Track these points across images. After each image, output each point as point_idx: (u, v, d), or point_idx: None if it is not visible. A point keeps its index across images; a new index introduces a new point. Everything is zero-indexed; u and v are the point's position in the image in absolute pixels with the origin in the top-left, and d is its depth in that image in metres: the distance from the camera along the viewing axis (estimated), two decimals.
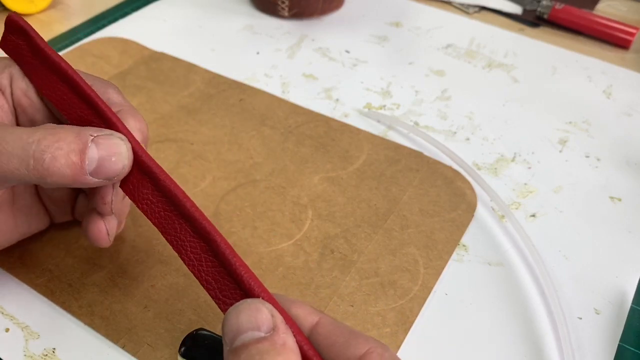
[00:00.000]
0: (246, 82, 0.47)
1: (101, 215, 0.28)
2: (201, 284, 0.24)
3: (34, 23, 0.53)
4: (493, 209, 0.37)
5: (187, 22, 0.54)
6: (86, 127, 0.25)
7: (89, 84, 0.27)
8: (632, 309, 0.32)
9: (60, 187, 0.26)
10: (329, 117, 0.43)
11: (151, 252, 0.33)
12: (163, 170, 0.25)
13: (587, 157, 0.41)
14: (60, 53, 0.49)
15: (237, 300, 0.22)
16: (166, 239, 0.25)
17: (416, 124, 0.43)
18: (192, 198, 0.36)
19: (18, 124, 0.29)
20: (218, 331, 0.28)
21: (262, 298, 0.22)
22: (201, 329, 0.29)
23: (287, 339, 0.20)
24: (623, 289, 0.33)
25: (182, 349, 0.28)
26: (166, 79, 0.46)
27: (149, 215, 0.26)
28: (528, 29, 0.55)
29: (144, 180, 0.26)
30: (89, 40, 0.50)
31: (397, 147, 0.41)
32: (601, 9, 0.58)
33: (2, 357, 0.29)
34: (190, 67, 0.47)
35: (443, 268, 0.33)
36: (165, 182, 0.25)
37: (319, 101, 0.45)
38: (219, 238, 0.23)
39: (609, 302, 0.32)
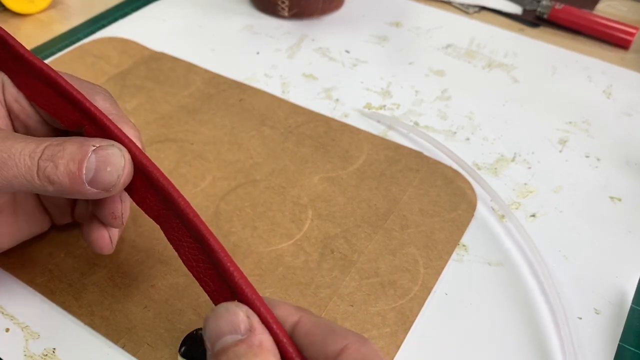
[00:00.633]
0: (246, 82, 0.47)
1: (107, 224, 0.28)
2: (200, 285, 0.24)
3: (34, 23, 0.53)
4: (493, 209, 0.37)
5: (187, 22, 0.54)
6: (90, 138, 0.25)
7: (77, 89, 0.27)
8: (632, 309, 0.32)
9: (62, 196, 0.26)
10: (329, 117, 0.43)
11: (151, 252, 0.33)
12: (160, 170, 0.25)
13: (587, 157, 0.41)
14: (60, 53, 0.49)
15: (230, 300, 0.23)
16: (167, 237, 0.25)
17: (416, 124, 0.43)
18: (192, 198, 0.36)
19: (14, 130, 0.29)
20: None
21: (255, 303, 0.22)
22: (201, 329, 0.29)
23: (263, 339, 0.21)
24: (623, 289, 0.33)
25: (182, 349, 0.28)
26: (166, 79, 0.46)
27: (148, 213, 0.26)
28: (528, 29, 0.55)
29: (143, 182, 0.26)
30: (89, 40, 0.50)
31: (397, 147, 0.41)
32: (601, 9, 0.58)
33: (2, 357, 0.29)
34: (190, 67, 0.47)
35: (443, 268, 0.33)
36: (159, 180, 0.25)
37: (319, 101, 0.45)
38: (212, 239, 0.23)
39: (609, 302, 0.32)
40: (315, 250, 0.34)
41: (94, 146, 0.25)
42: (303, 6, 0.53)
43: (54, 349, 0.29)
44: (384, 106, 0.45)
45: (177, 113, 0.43)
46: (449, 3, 0.58)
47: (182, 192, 0.37)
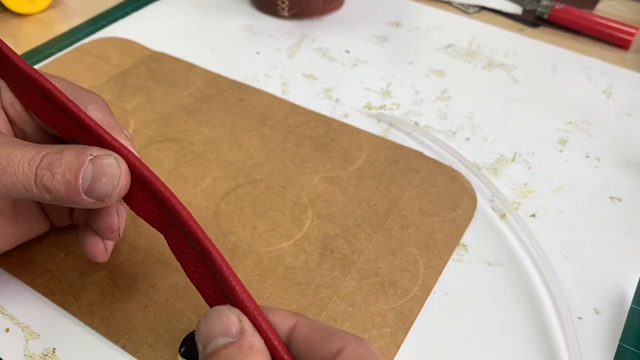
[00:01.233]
0: (246, 82, 0.47)
1: (104, 238, 0.28)
2: (203, 297, 0.24)
3: (34, 23, 0.53)
4: (493, 209, 0.37)
5: (187, 22, 0.54)
6: (89, 147, 0.25)
7: (69, 97, 0.27)
8: (632, 309, 0.32)
9: (60, 204, 0.26)
10: (329, 117, 0.43)
11: (151, 252, 0.33)
12: (160, 180, 0.25)
13: (587, 157, 0.41)
14: (60, 53, 0.49)
15: None
16: (171, 249, 0.25)
17: (416, 124, 0.43)
18: (192, 198, 0.36)
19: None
20: None
21: (257, 319, 0.22)
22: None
23: (254, 341, 0.21)
24: (623, 289, 0.33)
25: (182, 349, 0.28)
26: (166, 79, 0.46)
27: (153, 225, 0.26)
28: (528, 29, 0.55)
29: (144, 192, 0.25)
30: (89, 40, 0.50)
31: (397, 147, 0.41)
32: (601, 9, 0.58)
33: (2, 357, 0.29)
34: (190, 67, 0.47)
35: (443, 268, 0.33)
36: (161, 191, 0.25)
37: (319, 101, 0.45)
38: (214, 252, 0.23)
39: (609, 302, 0.32)
40: (315, 250, 0.34)
41: (91, 155, 0.25)
42: (303, 6, 0.53)
43: (54, 349, 0.29)
44: (384, 106, 0.45)
45: (177, 113, 0.43)
46: (449, 3, 0.58)
47: (182, 192, 0.37)
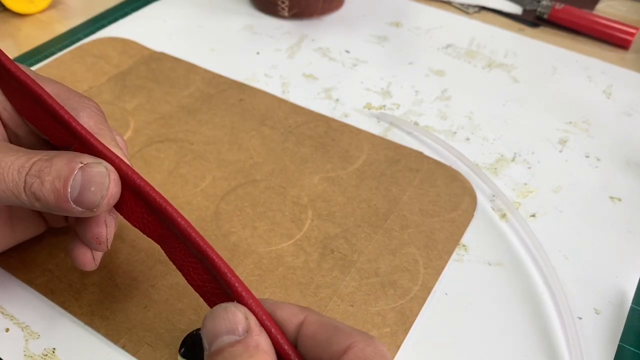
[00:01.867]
0: (246, 82, 0.47)
1: (92, 249, 0.27)
2: (207, 303, 0.24)
3: (34, 23, 0.53)
4: (493, 209, 0.37)
5: (187, 22, 0.54)
6: (80, 155, 0.25)
7: (61, 102, 0.26)
8: (632, 309, 0.32)
9: (50, 212, 0.25)
10: (329, 117, 0.43)
11: (151, 252, 0.33)
12: (154, 189, 0.25)
13: (587, 157, 0.41)
14: (60, 53, 0.49)
15: None
16: (171, 259, 0.25)
17: (416, 124, 0.43)
18: (192, 198, 0.36)
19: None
20: None
21: (266, 323, 0.22)
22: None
23: (260, 340, 0.21)
24: (623, 289, 0.33)
25: (182, 349, 0.28)
26: (166, 79, 0.46)
27: (149, 235, 0.25)
28: (528, 29, 0.55)
29: (138, 201, 0.25)
30: (89, 40, 0.50)
31: (397, 147, 0.41)
32: (601, 9, 0.58)
33: (2, 357, 0.29)
34: (190, 67, 0.47)
35: (443, 268, 0.33)
36: (157, 200, 0.24)
37: (319, 101, 0.45)
38: (217, 259, 0.23)
39: (609, 302, 0.32)
40: (315, 250, 0.34)
41: (81, 163, 0.24)
42: (303, 6, 0.53)
43: (54, 349, 0.29)
44: (384, 106, 0.45)
45: (177, 113, 0.43)
46: (449, 3, 0.58)
47: (182, 192, 0.37)
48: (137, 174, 0.25)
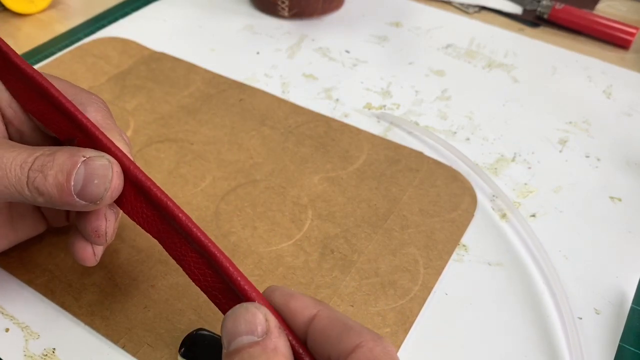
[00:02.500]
0: (246, 82, 0.47)
1: (91, 242, 0.27)
2: (210, 298, 0.24)
3: (34, 23, 0.53)
4: (493, 209, 0.37)
5: (187, 22, 0.54)
6: (81, 149, 0.25)
7: (69, 97, 0.27)
8: (632, 309, 0.32)
9: (53, 207, 0.25)
10: (329, 117, 0.43)
11: (151, 252, 0.33)
12: (156, 185, 0.25)
13: (587, 157, 0.41)
14: (60, 53, 0.49)
15: None
16: (170, 254, 0.25)
17: (416, 124, 0.43)
18: (192, 198, 0.36)
19: (8, 136, 0.29)
20: (218, 331, 0.28)
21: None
22: (201, 329, 0.29)
23: (278, 343, 0.21)
24: (623, 289, 0.33)
25: (182, 349, 0.28)
26: (166, 79, 0.46)
27: (149, 231, 0.26)
28: (528, 29, 0.55)
29: (139, 196, 0.25)
30: (89, 40, 0.50)
31: (397, 147, 0.41)
32: (601, 9, 0.58)
33: (2, 357, 0.29)
34: (190, 67, 0.47)
35: (443, 268, 0.33)
36: (157, 195, 0.24)
37: (319, 101, 0.45)
38: (219, 254, 0.23)
39: (609, 302, 0.32)
40: (315, 250, 0.34)
41: (84, 157, 0.24)
42: (303, 6, 0.53)
43: (54, 349, 0.29)
44: (384, 106, 0.45)
45: (177, 113, 0.43)
46: (449, 3, 0.58)
47: (182, 192, 0.37)
48: (139, 168, 0.25)
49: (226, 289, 0.23)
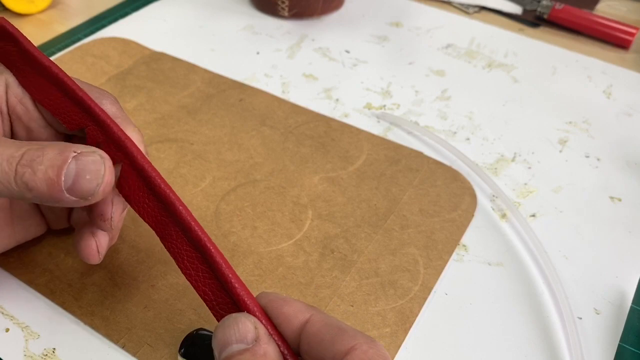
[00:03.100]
0: (246, 82, 0.47)
1: (100, 230, 0.28)
2: (199, 294, 0.24)
3: (34, 23, 0.53)
4: (493, 209, 0.37)
5: (187, 22, 0.54)
6: (72, 144, 0.25)
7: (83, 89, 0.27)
8: (632, 309, 0.32)
9: (41, 203, 0.25)
10: (329, 117, 0.43)
11: (151, 252, 0.33)
12: (160, 176, 0.25)
13: (587, 157, 0.41)
14: (60, 53, 0.49)
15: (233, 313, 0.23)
16: (164, 245, 0.25)
17: (416, 124, 0.43)
18: (192, 198, 0.36)
19: (13, 132, 0.29)
20: None
21: (256, 315, 0.22)
22: (201, 329, 0.29)
23: (268, 349, 0.21)
24: (623, 289, 0.33)
25: (182, 349, 0.28)
26: (166, 79, 0.46)
27: (146, 220, 0.26)
28: (528, 29, 0.55)
29: (141, 185, 0.25)
30: (89, 40, 0.50)
31: (397, 147, 0.41)
32: (601, 9, 0.58)
33: (2, 357, 0.29)
34: (190, 67, 0.47)
35: (443, 268, 0.33)
36: (161, 187, 0.25)
37: (319, 101, 0.45)
38: (213, 249, 0.23)
39: (609, 302, 0.32)
40: (315, 250, 0.34)
41: (74, 152, 0.24)
42: (303, 6, 0.53)
43: (54, 349, 0.29)
44: (384, 106, 0.45)
45: (177, 113, 0.43)
46: (449, 3, 0.58)
47: (182, 192, 0.37)
48: (146, 159, 0.25)
49: (217, 286, 0.24)
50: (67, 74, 0.28)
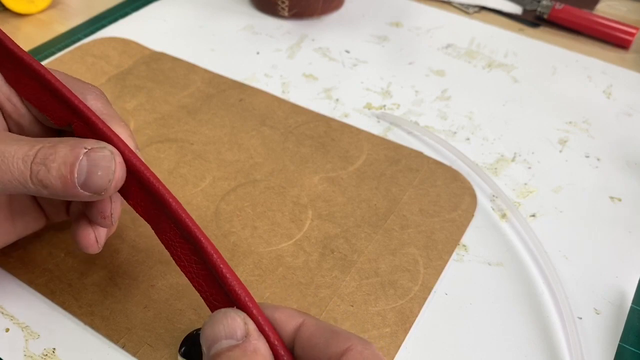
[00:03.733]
0: (246, 82, 0.47)
1: (97, 224, 0.28)
2: (193, 286, 0.24)
3: (34, 23, 0.53)
4: (493, 209, 0.37)
5: (187, 22, 0.54)
6: (83, 140, 0.25)
7: (67, 86, 0.27)
8: (632, 309, 0.32)
9: (58, 198, 0.26)
10: (329, 117, 0.43)
11: (151, 252, 0.33)
12: (149, 170, 0.25)
13: (587, 157, 0.41)
14: (60, 53, 0.49)
15: (226, 305, 0.23)
16: (159, 238, 0.25)
17: (416, 124, 0.43)
18: (192, 198, 0.36)
19: (8, 129, 0.29)
20: None
21: (248, 305, 0.22)
22: (201, 329, 0.29)
23: (258, 345, 0.21)
24: (623, 289, 0.33)
25: (182, 349, 0.28)
26: (166, 79, 0.46)
27: (140, 213, 0.26)
28: (528, 29, 0.55)
29: (131, 179, 0.26)
30: (89, 40, 0.50)
31: (397, 147, 0.41)
32: (601, 9, 0.58)
33: (2, 357, 0.29)
34: (190, 67, 0.47)
35: (443, 268, 0.33)
36: (150, 181, 0.25)
37: (319, 101, 0.45)
38: (204, 240, 0.23)
39: (609, 302, 0.32)
40: (315, 250, 0.34)
41: (85, 148, 0.24)
42: (303, 6, 0.53)
43: (54, 349, 0.29)
44: (384, 106, 0.45)
45: (177, 113, 0.43)
46: (449, 3, 0.58)
47: (182, 192, 0.37)
48: (134, 154, 0.26)
49: (211, 279, 0.24)
50: (53, 72, 0.28)
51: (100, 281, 0.32)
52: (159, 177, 0.25)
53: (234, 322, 0.21)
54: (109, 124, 0.26)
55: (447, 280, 0.33)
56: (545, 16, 0.55)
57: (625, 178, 0.40)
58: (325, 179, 0.38)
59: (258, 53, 0.50)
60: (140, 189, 0.25)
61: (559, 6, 0.55)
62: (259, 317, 0.22)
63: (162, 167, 0.39)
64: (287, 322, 0.23)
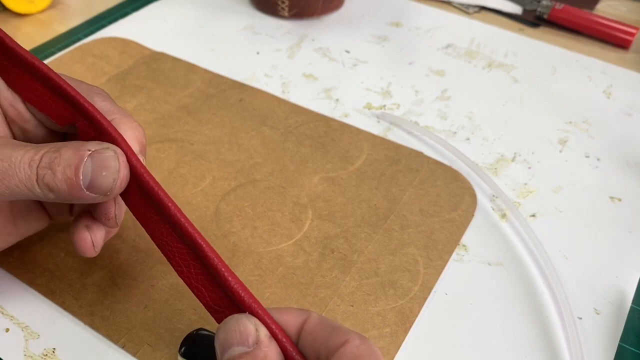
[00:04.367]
0: (246, 82, 0.47)
1: (101, 224, 0.28)
2: (192, 290, 0.24)
3: (34, 23, 0.53)
4: (493, 209, 0.37)
5: (187, 22, 0.54)
6: (86, 142, 0.25)
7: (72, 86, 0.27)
8: (632, 309, 0.32)
9: (65, 202, 0.26)
10: (329, 117, 0.43)
11: (151, 252, 0.33)
12: (149, 173, 0.25)
13: (587, 157, 0.41)
14: (60, 53, 0.49)
15: (227, 308, 0.23)
16: (155, 243, 0.25)
17: (416, 124, 0.43)
18: (192, 198, 0.36)
19: (12, 136, 0.29)
20: None
21: (252, 307, 0.22)
22: (201, 329, 0.29)
23: (269, 352, 0.22)
24: (623, 289, 0.33)
25: (182, 349, 0.28)
26: (166, 79, 0.46)
27: (138, 218, 0.26)
28: (528, 29, 0.55)
29: (132, 182, 0.25)
30: (88, 40, 0.50)
31: (397, 147, 0.41)
32: (601, 9, 0.58)
33: (2, 357, 0.29)
34: (190, 67, 0.47)
35: (443, 268, 0.33)
36: (149, 184, 0.25)
37: (319, 101, 0.45)
38: (204, 244, 0.23)
39: (609, 302, 0.32)
40: (315, 250, 0.34)
41: (89, 150, 0.25)
42: (303, 6, 0.53)
43: (54, 349, 0.29)
44: (384, 106, 0.45)
45: (177, 113, 0.43)
46: (449, 3, 0.58)
47: (182, 192, 0.37)
48: (134, 154, 0.25)
49: (210, 281, 0.23)
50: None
51: (100, 281, 0.32)
52: (159, 177, 0.25)
53: (245, 329, 0.22)
54: (122, 122, 0.27)
55: (447, 280, 0.33)
56: (545, 16, 0.55)
57: (625, 178, 0.40)
58: (325, 179, 0.38)
59: (258, 53, 0.50)
60: (139, 191, 0.25)
61: (559, 6, 0.55)
62: (272, 325, 0.22)
63: (162, 167, 0.39)
64: (293, 323, 0.23)
